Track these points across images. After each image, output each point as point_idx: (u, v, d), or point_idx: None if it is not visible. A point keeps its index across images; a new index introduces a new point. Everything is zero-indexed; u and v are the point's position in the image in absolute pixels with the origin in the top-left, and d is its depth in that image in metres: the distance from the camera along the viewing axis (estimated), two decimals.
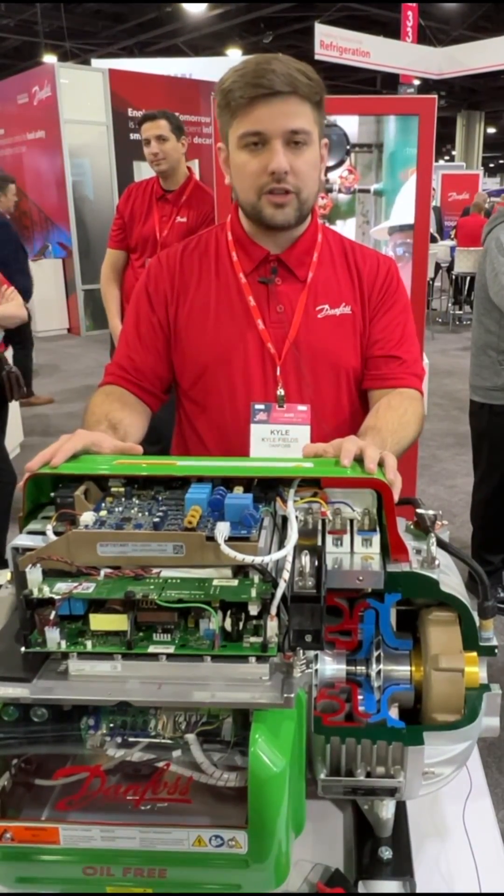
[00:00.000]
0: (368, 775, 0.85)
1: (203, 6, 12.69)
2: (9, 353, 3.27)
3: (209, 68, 10.44)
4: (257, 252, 1.37)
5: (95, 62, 11.21)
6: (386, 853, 0.92)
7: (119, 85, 9.40)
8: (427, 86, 14.97)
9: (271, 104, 1.21)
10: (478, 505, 3.21)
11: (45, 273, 9.67)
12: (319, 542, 0.85)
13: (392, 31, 13.16)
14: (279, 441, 1.35)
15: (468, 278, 9.22)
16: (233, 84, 1.23)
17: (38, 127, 9.48)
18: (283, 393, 1.36)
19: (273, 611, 0.76)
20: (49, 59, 13.51)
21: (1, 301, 3.23)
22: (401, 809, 0.97)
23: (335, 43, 11.94)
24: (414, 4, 12.48)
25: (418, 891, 0.90)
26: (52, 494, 0.90)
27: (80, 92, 9.28)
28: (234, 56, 14.05)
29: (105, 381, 1.44)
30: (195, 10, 12.94)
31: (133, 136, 9.14)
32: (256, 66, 1.21)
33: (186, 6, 12.65)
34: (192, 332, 1.39)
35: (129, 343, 1.44)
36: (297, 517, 0.84)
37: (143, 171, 4.86)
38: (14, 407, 4.15)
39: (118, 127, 9.45)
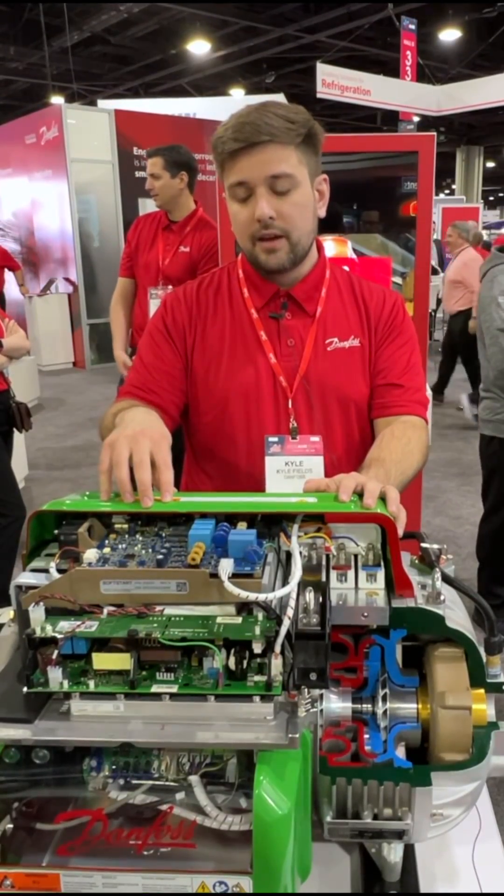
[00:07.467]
0: (375, 817, 0.84)
1: (207, 48, 13.00)
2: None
3: (213, 108, 10.66)
4: (267, 288, 1.40)
5: (102, 103, 11.45)
6: None
7: (124, 124, 9.62)
8: (427, 122, 15.23)
9: (251, 154, 1.26)
10: (484, 538, 3.19)
11: (51, 308, 9.80)
12: (324, 578, 0.84)
13: (392, 69, 13.43)
14: (294, 472, 1.35)
15: None
16: (217, 140, 1.29)
17: (46, 166, 9.68)
18: (295, 425, 1.38)
19: (277, 649, 0.76)
20: (56, 100, 13.81)
21: (5, 334, 3.26)
22: (409, 852, 0.95)
23: (336, 82, 12.20)
24: (412, 45, 12.76)
25: None
26: (56, 532, 0.90)
27: (87, 132, 9.48)
28: (238, 95, 14.36)
29: (119, 398, 1.41)
30: (199, 52, 13.25)
31: (138, 175, 9.31)
32: (237, 121, 1.27)
33: (191, 48, 12.97)
34: (207, 366, 1.41)
35: (146, 366, 1.42)
36: (301, 553, 0.84)
37: (148, 208, 4.99)
38: (18, 440, 4.17)
39: (123, 165, 9.65)
